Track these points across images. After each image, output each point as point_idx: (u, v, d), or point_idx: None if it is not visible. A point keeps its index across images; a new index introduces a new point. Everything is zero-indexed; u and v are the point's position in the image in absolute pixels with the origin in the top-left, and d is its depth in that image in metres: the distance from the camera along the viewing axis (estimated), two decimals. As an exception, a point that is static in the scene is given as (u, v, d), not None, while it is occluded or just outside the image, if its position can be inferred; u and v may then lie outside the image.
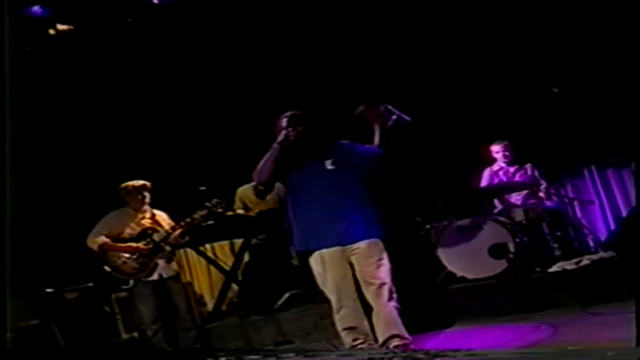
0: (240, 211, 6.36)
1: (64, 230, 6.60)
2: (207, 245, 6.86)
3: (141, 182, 5.55)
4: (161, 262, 5.44)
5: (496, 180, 6.59)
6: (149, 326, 5.42)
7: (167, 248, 5.46)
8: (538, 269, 5.64)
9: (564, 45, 6.43)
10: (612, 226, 6.76)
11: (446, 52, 6.74)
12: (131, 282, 5.38)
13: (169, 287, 5.46)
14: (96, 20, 6.60)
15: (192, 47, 7.04)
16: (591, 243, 6.49)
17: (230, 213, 6.08)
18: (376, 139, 4.27)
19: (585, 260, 5.56)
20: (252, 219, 6.35)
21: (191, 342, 5.47)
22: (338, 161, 4.19)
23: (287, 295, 6.16)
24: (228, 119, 7.24)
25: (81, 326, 5.79)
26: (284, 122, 4.18)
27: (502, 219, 5.97)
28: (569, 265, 5.55)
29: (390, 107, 4.39)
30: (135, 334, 5.96)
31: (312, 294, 5.62)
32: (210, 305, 6.95)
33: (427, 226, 6.16)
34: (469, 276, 5.70)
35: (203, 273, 7.51)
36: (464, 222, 5.85)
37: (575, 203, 6.92)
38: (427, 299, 5.32)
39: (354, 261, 4.13)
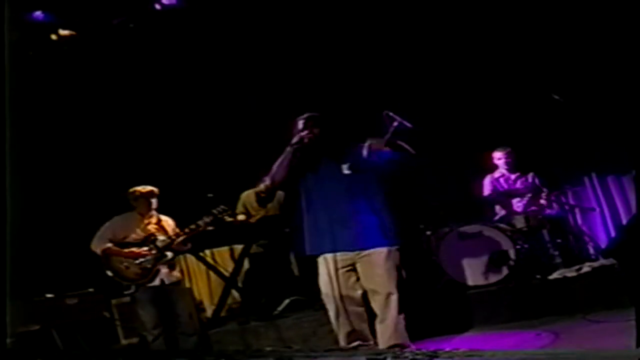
0: (241, 216, 6.35)
1: (64, 235, 6.61)
2: (207, 251, 6.83)
3: (149, 187, 5.54)
4: (163, 269, 5.42)
5: (498, 187, 6.60)
6: (149, 331, 5.40)
7: (169, 254, 5.45)
8: (538, 276, 5.65)
9: (565, 52, 6.44)
10: (613, 233, 6.76)
11: (448, 60, 6.76)
12: (132, 288, 5.37)
13: (170, 293, 5.45)
14: (98, 25, 6.61)
15: (196, 53, 7.05)
16: (592, 250, 6.49)
17: (230, 219, 6.08)
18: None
19: (586, 268, 5.57)
20: (253, 225, 6.35)
21: (192, 347, 5.45)
22: (355, 166, 4.14)
23: (287, 301, 6.15)
24: (237, 125, 7.23)
25: (81, 332, 5.78)
26: (300, 124, 4.14)
27: (503, 225, 5.98)
28: (570, 272, 5.56)
29: (391, 113, 4.40)
30: (135, 340, 5.95)
31: (311, 301, 5.61)
32: (209, 311, 6.93)
33: (428, 232, 6.17)
34: (470, 283, 5.70)
35: (202, 279, 7.48)
36: (465, 228, 5.85)
37: (576, 210, 6.92)
38: (427, 305, 5.32)
39: (363, 267, 4.10)
